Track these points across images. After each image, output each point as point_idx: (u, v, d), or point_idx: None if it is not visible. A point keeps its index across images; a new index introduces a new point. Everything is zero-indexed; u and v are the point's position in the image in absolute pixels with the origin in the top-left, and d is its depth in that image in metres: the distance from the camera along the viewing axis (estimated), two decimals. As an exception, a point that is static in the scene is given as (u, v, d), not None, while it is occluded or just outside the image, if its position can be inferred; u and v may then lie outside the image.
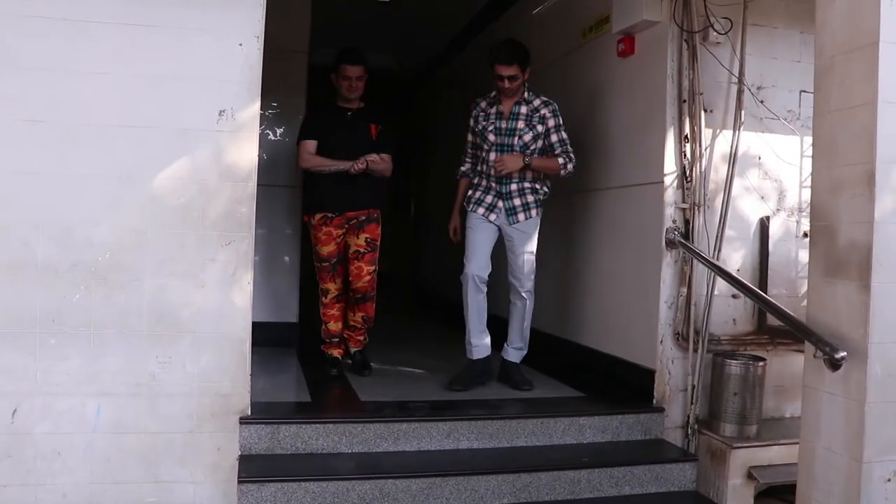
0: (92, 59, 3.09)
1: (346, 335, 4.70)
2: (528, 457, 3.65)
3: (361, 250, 4.47)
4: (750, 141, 4.14)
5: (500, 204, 4.28)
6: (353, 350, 4.71)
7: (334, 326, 4.62)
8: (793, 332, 3.51)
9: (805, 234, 4.17)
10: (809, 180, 4.00)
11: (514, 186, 4.27)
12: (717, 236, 4.04)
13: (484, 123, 4.30)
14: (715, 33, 4.01)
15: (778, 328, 4.06)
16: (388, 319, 6.19)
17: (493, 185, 4.30)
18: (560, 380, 4.68)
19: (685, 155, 4.01)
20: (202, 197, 3.18)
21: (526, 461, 3.59)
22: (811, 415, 3.03)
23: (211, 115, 3.20)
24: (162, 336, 3.11)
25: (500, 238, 4.37)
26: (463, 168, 4.54)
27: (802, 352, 3.19)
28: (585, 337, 4.93)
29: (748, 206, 4.18)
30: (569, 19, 5.29)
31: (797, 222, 4.25)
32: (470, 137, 4.48)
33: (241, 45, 3.24)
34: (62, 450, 3.03)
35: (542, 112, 4.24)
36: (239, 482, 3.16)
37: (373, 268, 4.51)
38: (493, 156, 4.25)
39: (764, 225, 4.19)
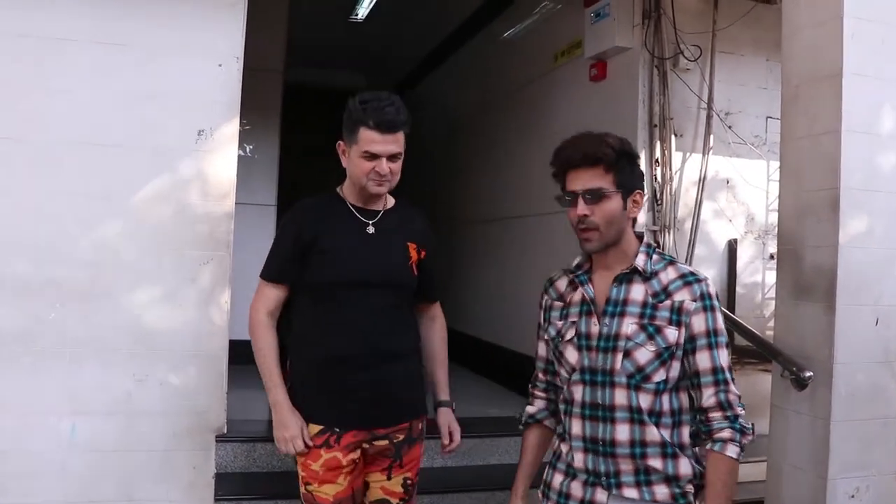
0: (68, 77, 3.07)
1: None
2: (502, 475, 3.66)
3: (394, 502, 2.53)
4: (719, 165, 4.25)
5: (600, 496, 1.97)
6: None
7: None
8: (759, 352, 3.59)
9: (771, 257, 4.28)
10: (776, 204, 4.14)
11: (623, 459, 1.95)
12: (686, 258, 4.13)
13: (559, 324, 2.09)
14: (685, 60, 4.14)
15: (745, 348, 4.15)
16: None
17: (584, 457, 2.00)
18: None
19: (656, 178, 4.11)
20: (180, 216, 3.17)
21: (500, 479, 3.61)
22: (778, 433, 3.10)
23: (189, 135, 3.20)
24: (138, 354, 3.10)
25: None
26: (531, 409, 2.24)
27: (769, 371, 3.28)
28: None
29: (717, 229, 4.29)
30: (540, 43, 5.39)
31: (764, 244, 4.36)
32: (541, 349, 2.23)
33: (220, 65, 3.25)
34: (36, 469, 2.99)
35: (679, 299, 1.95)
36: (215, 500, 3.14)
37: None
38: (578, 392, 2.00)
39: (732, 247, 4.29)
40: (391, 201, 2.54)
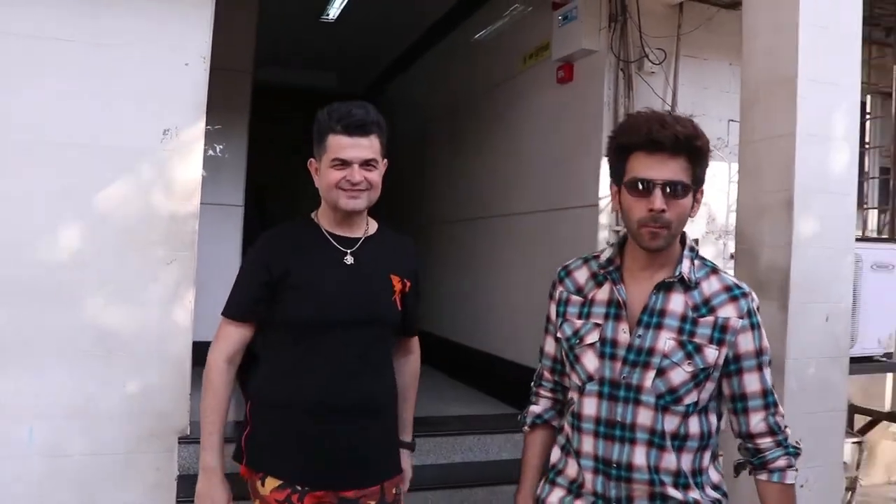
0: (28, 75, 3.04)
1: None
2: (465, 473, 3.72)
3: None
4: (681, 167, 4.31)
5: None
6: None
7: None
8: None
9: (731, 256, 4.35)
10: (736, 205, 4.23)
11: (639, 484, 1.70)
12: (649, 257, 4.19)
13: (578, 324, 1.82)
14: (650, 63, 4.20)
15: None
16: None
17: (594, 479, 1.74)
18: (497, 398, 4.78)
19: (619, 179, 4.16)
20: (145, 215, 3.16)
21: (463, 477, 3.66)
22: (734, 429, 3.17)
23: (155, 134, 3.19)
24: (101, 356, 3.07)
25: None
26: (536, 408, 1.98)
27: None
28: (522, 356, 5.04)
29: (679, 229, 4.34)
30: (509, 45, 5.43)
31: (725, 245, 4.43)
32: (549, 346, 1.97)
33: (186, 64, 3.24)
34: (-6, 474, 2.96)
35: (724, 316, 1.73)
36: (177, 502, 3.14)
37: None
38: (591, 406, 1.75)
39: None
40: (373, 227, 2.26)
